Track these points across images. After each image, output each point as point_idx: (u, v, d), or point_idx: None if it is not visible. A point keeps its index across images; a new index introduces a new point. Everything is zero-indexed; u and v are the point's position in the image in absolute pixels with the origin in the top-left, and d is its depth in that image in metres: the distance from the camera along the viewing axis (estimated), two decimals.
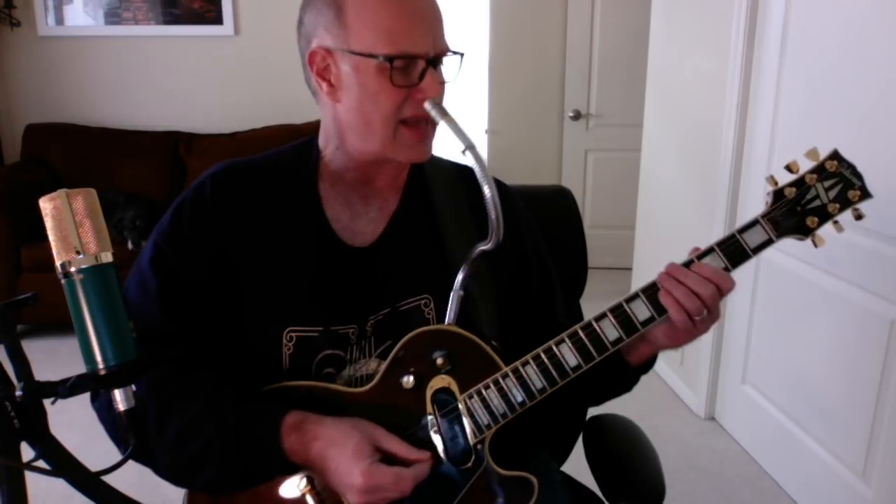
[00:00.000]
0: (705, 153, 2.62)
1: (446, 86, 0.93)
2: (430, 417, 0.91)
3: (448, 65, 0.92)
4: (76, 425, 1.47)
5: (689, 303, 0.87)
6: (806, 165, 0.92)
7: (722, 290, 0.87)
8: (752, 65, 2.34)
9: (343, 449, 0.84)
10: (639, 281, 3.30)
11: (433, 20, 0.89)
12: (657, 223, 3.13)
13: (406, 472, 0.84)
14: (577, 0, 4.20)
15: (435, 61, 0.89)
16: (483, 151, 4.48)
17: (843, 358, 1.94)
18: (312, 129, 0.99)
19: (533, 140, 4.46)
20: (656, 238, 3.14)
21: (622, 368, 0.97)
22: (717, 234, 2.50)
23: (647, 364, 0.99)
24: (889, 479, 1.77)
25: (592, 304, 1.15)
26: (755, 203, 2.35)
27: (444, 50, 0.90)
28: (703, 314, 0.87)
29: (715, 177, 2.53)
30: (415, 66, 0.87)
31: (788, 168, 0.91)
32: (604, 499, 1.14)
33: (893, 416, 1.74)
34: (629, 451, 1.18)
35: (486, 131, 4.41)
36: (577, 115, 4.34)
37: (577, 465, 1.26)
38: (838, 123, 1.92)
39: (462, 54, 0.93)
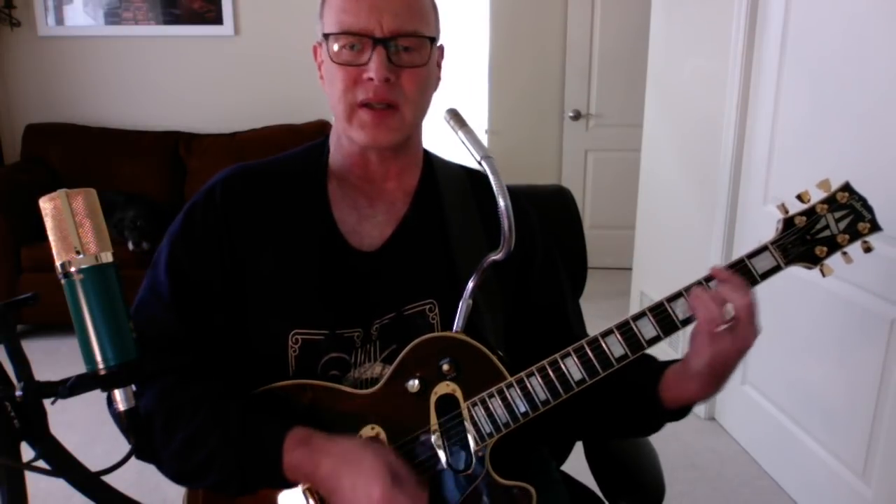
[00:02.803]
0: (705, 153, 2.62)
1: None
2: (433, 423, 0.91)
3: (421, 50, 0.91)
4: (76, 425, 1.48)
5: (715, 306, 0.85)
6: (817, 195, 0.93)
7: (735, 305, 0.85)
8: (752, 65, 2.34)
9: (358, 466, 0.82)
10: (639, 281, 3.32)
11: (388, 1, 0.89)
12: (657, 223, 3.13)
13: (422, 495, 0.84)
14: (577, 0, 4.21)
15: (386, 42, 0.88)
16: None
17: (843, 358, 1.94)
18: (312, 129, 1.00)
19: (533, 140, 4.46)
20: (656, 238, 3.14)
21: (655, 411, 0.95)
22: (717, 234, 2.53)
23: (679, 412, 0.96)
24: (889, 479, 1.77)
25: (592, 304, 1.15)
26: (755, 204, 2.35)
27: (399, 31, 0.88)
28: (725, 319, 0.85)
29: (715, 177, 2.53)
30: (363, 46, 0.88)
31: (800, 197, 0.92)
32: (604, 498, 1.14)
33: (893, 416, 1.74)
34: (629, 450, 1.18)
35: (487, 131, 4.42)
36: (577, 115, 4.34)
37: (577, 465, 1.25)
38: (838, 123, 1.92)
39: (430, 38, 0.91)
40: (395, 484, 0.81)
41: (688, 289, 0.90)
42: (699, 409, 2.67)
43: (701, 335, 0.87)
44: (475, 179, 1.05)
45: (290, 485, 0.87)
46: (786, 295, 2.12)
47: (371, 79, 0.88)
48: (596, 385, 0.91)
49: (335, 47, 0.90)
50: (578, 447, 1.28)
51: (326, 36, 0.91)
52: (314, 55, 0.97)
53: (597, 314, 1.04)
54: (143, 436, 0.68)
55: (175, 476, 0.91)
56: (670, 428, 0.98)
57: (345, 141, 0.97)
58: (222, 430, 0.87)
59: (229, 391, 0.92)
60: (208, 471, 0.87)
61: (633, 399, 0.97)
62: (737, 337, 0.86)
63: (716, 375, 0.90)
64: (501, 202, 0.85)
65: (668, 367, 0.95)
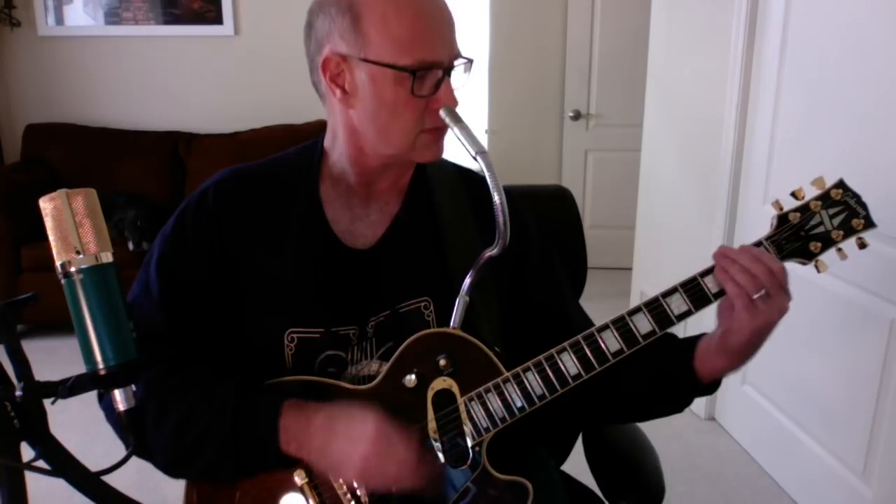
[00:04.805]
0: (705, 153, 2.62)
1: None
2: (430, 418, 0.91)
3: (458, 69, 0.91)
4: (76, 425, 1.48)
5: (745, 279, 0.85)
6: (811, 192, 0.94)
7: (773, 270, 0.86)
8: (752, 65, 2.34)
9: (349, 410, 0.86)
10: (639, 281, 3.32)
11: (448, 27, 0.89)
12: (657, 223, 3.13)
13: (413, 435, 0.86)
14: (577, 0, 4.21)
15: (450, 69, 0.88)
16: None
17: (843, 358, 1.94)
18: (312, 129, 0.99)
19: (533, 140, 4.46)
20: (656, 238, 3.14)
21: (690, 385, 0.95)
22: (717, 234, 2.53)
23: (712, 385, 0.96)
24: (889, 479, 1.77)
25: (592, 304, 1.15)
26: (755, 204, 2.35)
27: (458, 55, 0.90)
28: (761, 292, 0.85)
29: (715, 177, 2.53)
30: (431, 74, 0.87)
31: (794, 195, 0.93)
32: (604, 498, 1.14)
33: (893, 416, 1.74)
34: (629, 450, 1.18)
35: (487, 131, 4.42)
36: (577, 115, 4.34)
37: (577, 465, 1.26)
38: (838, 123, 1.92)
39: (472, 60, 0.92)
40: (389, 427, 0.85)
41: (683, 284, 0.91)
42: (699, 409, 2.68)
43: (737, 309, 0.86)
44: (467, 178, 1.05)
45: (283, 463, 0.88)
46: None
47: (440, 107, 0.87)
48: (626, 365, 0.91)
49: (408, 79, 0.85)
50: (578, 447, 1.28)
51: (387, 66, 0.85)
52: (323, 67, 0.90)
53: (597, 314, 1.04)
54: (138, 429, 0.68)
55: (167, 462, 0.90)
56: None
57: (369, 158, 0.94)
58: (217, 407, 0.88)
59: (222, 373, 0.93)
60: (202, 449, 0.88)
61: (666, 377, 0.96)
62: (772, 306, 0.86)
63: (750, 348, 0.90)
64: (497, 197, 0.85)
65: (697, 342, 0.95)
